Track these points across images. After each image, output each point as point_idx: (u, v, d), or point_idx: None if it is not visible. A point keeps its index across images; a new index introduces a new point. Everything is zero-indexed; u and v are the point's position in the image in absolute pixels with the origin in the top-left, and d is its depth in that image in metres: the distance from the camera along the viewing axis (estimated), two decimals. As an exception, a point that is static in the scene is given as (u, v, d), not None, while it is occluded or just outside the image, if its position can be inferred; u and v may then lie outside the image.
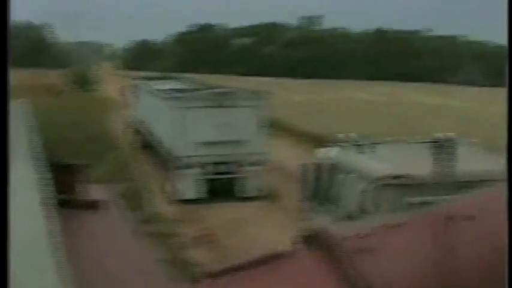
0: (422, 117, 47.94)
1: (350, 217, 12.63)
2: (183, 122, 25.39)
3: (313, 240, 1.73)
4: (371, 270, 1.61)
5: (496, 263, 1.81)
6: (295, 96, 67.04)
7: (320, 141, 23.72)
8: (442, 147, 13.52)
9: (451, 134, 14.93)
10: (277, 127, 39.39)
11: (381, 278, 1.61)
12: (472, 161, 13.78)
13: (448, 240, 1.76)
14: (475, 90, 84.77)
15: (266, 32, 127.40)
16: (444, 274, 1.70)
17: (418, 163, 13.90)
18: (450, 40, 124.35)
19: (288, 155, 30.68)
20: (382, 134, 21.81)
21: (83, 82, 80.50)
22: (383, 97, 69.57)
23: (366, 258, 1.65)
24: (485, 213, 1.92)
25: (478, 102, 65.72)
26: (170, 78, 41.98)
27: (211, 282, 1.54)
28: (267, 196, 25.74)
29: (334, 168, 15.08)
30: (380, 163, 13.63)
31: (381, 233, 1.73)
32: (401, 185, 12.39)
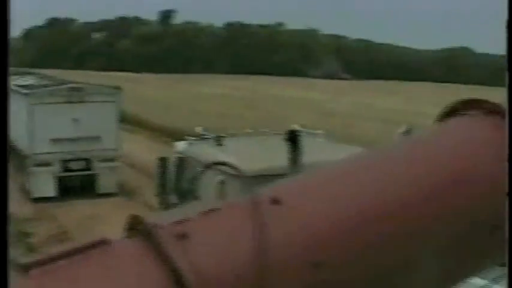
0: (281, 110, 48.72)
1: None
2: (34, 118, 24.77)
3: (135, 228, 1.72)
4: (185, 256, 1.60)
5: (312, 249, 1.83)
6: (151, 90, 66.70)
7: (176, 135, 23.71)
8: (293, 139, 13.80)
9: (301, 126, 15.27)
10: (132, 122, 39.04)
11: (193, 264, 1.59)
12: (321, 151, 14.09)
13: (265, 224, 1.76)
14: (333, 83, 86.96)
15: (122, 27, 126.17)
16: (257, 259, 1.70)
17: (270, 154, 14.15)
18: (310, 33, 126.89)
19: (144, 150, 30.54)
20: (240, 127, 22.04)
21: None
22: (243, 91, 70.24)
23: (181, 245, 1.64)
24: (300, 197, 1.95)
25: (335, 94, 67.42)
26: (22, 73, 40.82)
27: (24, 273, 1.49)
28: (123, 192, 25.48)
29: (187, 161, 15.17)
30: (231, 156, 13.75)
31: (200, 218, 1.71)
32: (253, 176, 12.49)
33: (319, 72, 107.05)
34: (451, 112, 2.30)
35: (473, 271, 2.23)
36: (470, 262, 2.15)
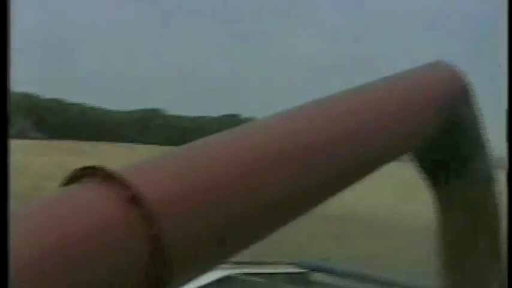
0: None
1: None
2: None
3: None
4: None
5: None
6: None
7: None
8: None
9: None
10: None
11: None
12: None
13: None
14: (24, 142, 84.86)
15: None
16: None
17: None
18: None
19: None
20: None
21: None
22: None
23: None
24: None
25: (26, 154, 65.83)
26: None
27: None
28: None
29: None
30: None
31: None
32: None
33: (10, 131, 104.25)
34: (73, 178, 2.15)
35: None
36: None
